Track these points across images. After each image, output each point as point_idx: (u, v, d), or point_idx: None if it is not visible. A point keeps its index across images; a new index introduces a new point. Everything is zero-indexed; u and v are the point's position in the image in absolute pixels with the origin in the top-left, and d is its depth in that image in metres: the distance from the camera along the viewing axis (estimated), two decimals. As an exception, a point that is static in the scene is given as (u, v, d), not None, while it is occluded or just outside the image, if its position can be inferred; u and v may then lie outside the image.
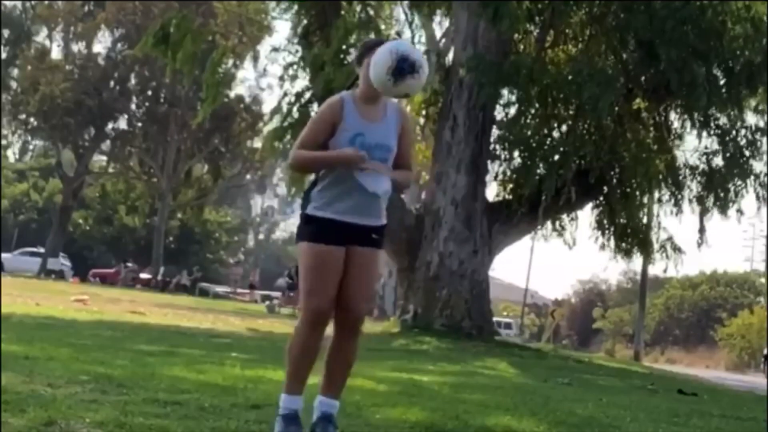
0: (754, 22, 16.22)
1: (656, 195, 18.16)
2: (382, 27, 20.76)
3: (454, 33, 18.71)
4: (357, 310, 3.97)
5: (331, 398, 4.04)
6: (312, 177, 4.05)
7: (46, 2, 46.21)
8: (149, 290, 36.88)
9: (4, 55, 45.21)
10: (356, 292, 3.95)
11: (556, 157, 16.27)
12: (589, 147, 16.43)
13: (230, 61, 25.30)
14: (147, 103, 46.80)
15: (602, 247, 18.14)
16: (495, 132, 17.48)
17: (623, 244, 18.13)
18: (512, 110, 17.34)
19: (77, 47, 46.81)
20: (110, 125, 47.01)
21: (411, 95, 4.03)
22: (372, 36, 19.66)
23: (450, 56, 18.83)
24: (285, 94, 19.28)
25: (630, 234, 18.02)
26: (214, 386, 5.35)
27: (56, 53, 46.92)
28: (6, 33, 45.34)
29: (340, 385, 4.08)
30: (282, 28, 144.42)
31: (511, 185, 17.48)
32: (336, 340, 4.05)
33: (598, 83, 14.89)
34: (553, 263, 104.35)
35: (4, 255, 40.23)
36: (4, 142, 51.50)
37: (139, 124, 47.09)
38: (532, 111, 16.84)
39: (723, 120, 17.08)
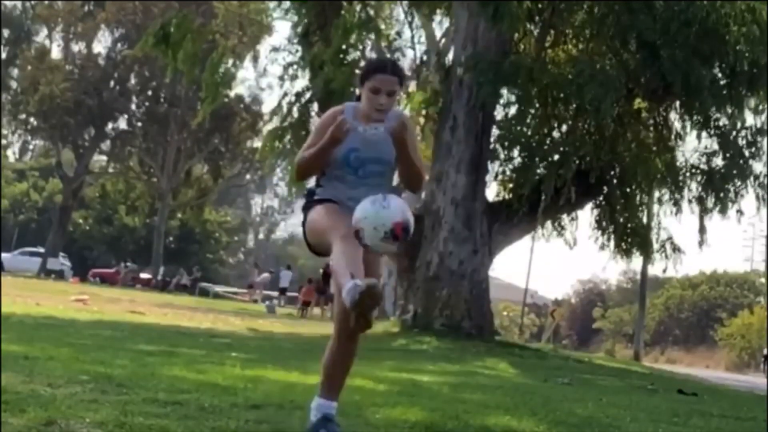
0: (757, 23, 16.21)
1: (656, 195, 18.16)
2: (382, 27, 20.78)
3: (454, 33, 18.70)
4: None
5: (330, 400, 4.02)
6: (314, 180, 4.07)
7: (46, 2, 46.23)
8: (149, 290, 36.88)
9: (4, 55, 45.24)
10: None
11: (556, 157, 16.27)
12: (589, 147, 16.43)
13: (230, 61, 25.24)
14: (147, 103, 46.82)
15: (602, 247, 18.14)
16: (495, 132, 17.48)
17: (623, 244, 18.12)
18: (512, 110, 17.34)
19: (77, 47, 46.85)
20: (110, 125, 47.04)
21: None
22: (372, 36, 19.70)
23: (450, 56, 18.83)
24: (285, 94, 19.31)
25: (630, 234, 18.01)
26: (214, 386, 5.35)
27: (56, 53, 46.97)
28: (6, 33, 45.37)
29: (340, 387, 4.06)
30: (282, 28, 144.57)
31: (511, 185, 17.48)
32: (336, 342, 4.01)
33: (600, 84, 14.89)
34: (553, 263, 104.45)
35: (4, 255, 40.24)
36: (4, 142, 51.56)
37: (139, 124, 47.11)
38: (532, 111, 16.83)
39: (723, 120, 17.08)
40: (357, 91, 4.12)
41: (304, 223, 4.03)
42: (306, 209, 4.04)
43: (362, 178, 3.96)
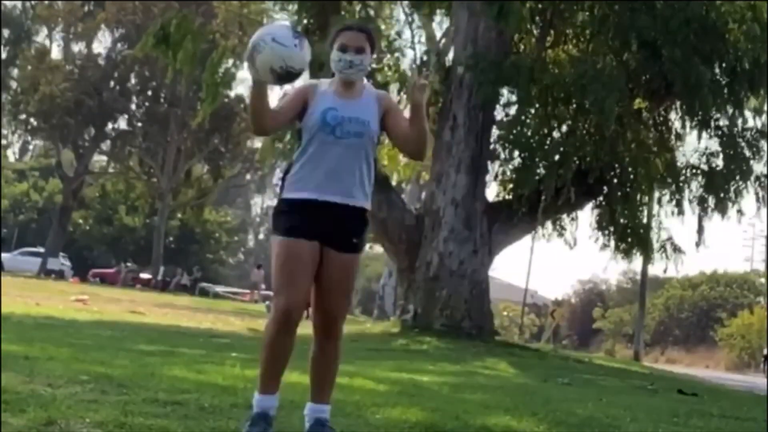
0: (758, 21, 16.21)
1: (656, 195, 18.16)
2: (382, 27, 20.76)
3: (454, 33, 18.69)
4: (335, 314, 3.93)
5: (321, 404, 3.98)
6: (282, 169, 3.98)
7: (46, 2, 46.21)
8: (149, 290, 36.87)
9: (4, 55, 45.24)
10: (335, 295, 3.89)
11: (556, 157, 16.26)
12: (589, 147, 16.42)
13: (230, 61, 25.24)
14: (147, 103, 46.81)
15: (603, 247, 18.14)
16: (495, 132, 17.48)
17: (623, 245, 18.12)
18: (512, 110, 17.33)
19: (77, 47, 46.86)
20: (110, 125, 47.03)
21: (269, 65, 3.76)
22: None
23: (450, 56, 18.83)
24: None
25: (630, 234, 18.00)
26: (214, 386, 5.35)
27: (56, 53, 46.98)
28: (6, 33, 45.36)
29: (329, 390, 4.02)
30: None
31: (511, 185, 17.47)
32: (316, 346, 4.00)
33: (602, 85, 14.88)
34: (553, 263, 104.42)
35: (4, 255, 40.23)
36: (4, 142, 51.58)
37: (139, 124, 47.10)
38: (532, 111, 16.83)
39: (723, 121, 17.08)
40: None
41: (272, 228, 3.95)
42: (273, 228, 3.89)
43: (340, 138, 3.84)
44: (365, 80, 4.13)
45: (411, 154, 4.09)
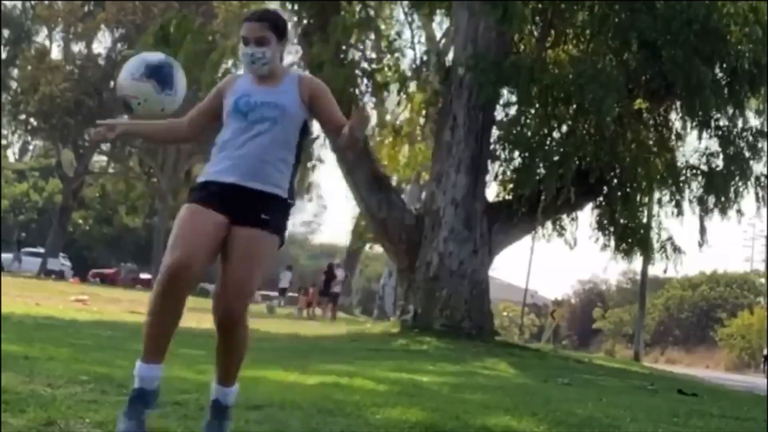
0: (759, 23, 16.21)
1: (657, 195, 18.15)
2: (382, 27, 20.76)
3: (454, 33, 18.69)
4: (231, 303, 3.64)
5: (223, 386, 3.81)
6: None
7: (46, 2, 46.22)
8: (149, 290, 36.85)
9: (4, 55, 45.24)
10: (233, 283, 3.62)
11: (556, 157, 16.26)
12: (589, 147, 16.42)
13: (230, 61, 25.25)
14: (147, 103, 46.76)
15: (603, 247, 18.13)
16: (495, 132, 17.48)
17: (623, 245, 18.11)
18: (512, 110, 17.34)
19: (77, 47, 46.86)
20: (110, 125, 46.95)
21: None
22: (372, 37, 19.69)
23: (450, 56, 18.83)
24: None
25: (630, 234, 18.00)
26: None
27: (56, 53, 46.98)
28: (6, 33, 45.36)
29: (233, 374, 3.81)
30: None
31: (511, 185, 17.46)
32: (217, 333, 3.78)
33: (601, 85, 14.88)
34: (553, 263, 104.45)
35: (4, 255, 40.23)
36: (4, 142, 51.57)
37: (139, 124, 47.03)
38: (532, 111, 16.83)
39: (724, 121, 17.08)
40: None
41: None
42: (187, 196, 3.77)
43: (252, 124, 3.69)
44: (294, 68, 4.06)
45: (340, 149, 4.15)
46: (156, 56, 3.93)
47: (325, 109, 3.84)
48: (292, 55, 19.61)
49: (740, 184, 17.12)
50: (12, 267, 38.67)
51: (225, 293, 3.64)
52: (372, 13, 19.62)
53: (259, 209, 3.66)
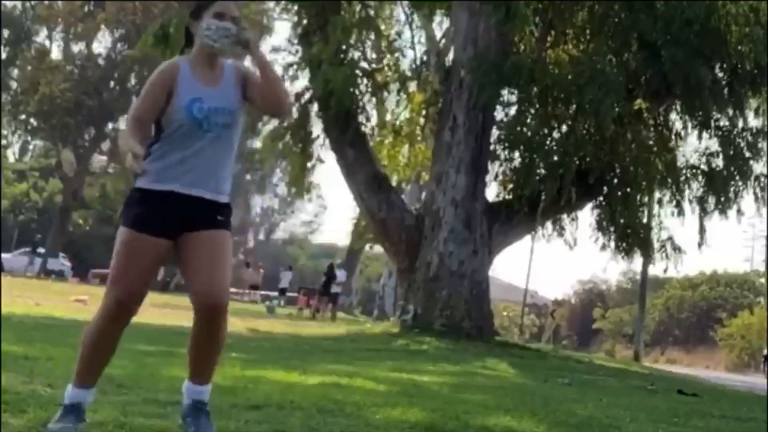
0: (759, 23, 16.21)
1: (657, 195, 18.16)
2: (382, 27, 20.76)
3: (454, 33, 18.69)
4: (217, 297, 3.61)
5: (199, 384, 3.79)
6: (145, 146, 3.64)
7: (46, 2, 46.22)
8: (149, 291, 36.80)
9: (4, 55, 45.23)
10: (213, 278, 3.61)
11: (556, 157, 16.26)
12: (589, 147, 16.43)
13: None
14: (147, 103, 46.77)
15: (603, 247, 18.14)
16: (495, 132, 17.48)
17: (623, 245, 18.12)
18: (512, 111, 17.35)
19: (77, 47, 46.86)
20: (110, 125, 47.02)
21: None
22: (372, 37, 19.68)
23: (450, 57, 18.83)
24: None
25: (630, 234, 18.01)
26: (214, 386, 5.31)
27: (56, 53, 46.98)
28: (6, 33, 45.35)
29: (209, 372, 3.81)
30: (282, 28, 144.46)
31: (511, 185, 17.48)
32: (198, 330, 3.70)
33: (601, 85, 14.88)
34: (553, 263, 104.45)
35: (4, 255, 40.24)
36: (4, 142, 51.55)
37: (139, 124, 47.04)
38: (532, 111, 16.84)
39: (724, 121, 17.08)
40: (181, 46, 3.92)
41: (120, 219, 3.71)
42: (121, 218, 3.68)
43: (207, 132, 3.63)
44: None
45: (274, 110, 3.92)
46: None
47: (255, 88, 3.80)
48: (292, 55, 19.61)
49: (740, 184, 17.13)
50: (28, 270, 39.07)
51: (209, 291, 3.63)
52: (372, 13, 19.63)
53: (213, 215, 3.70)
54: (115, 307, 3.61)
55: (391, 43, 20.30)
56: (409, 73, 20.02)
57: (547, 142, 16.71)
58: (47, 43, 47.22)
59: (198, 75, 3.70)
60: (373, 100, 19.19)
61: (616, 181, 17.60)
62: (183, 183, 3.62)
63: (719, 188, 17.20)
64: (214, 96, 3.67)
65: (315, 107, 18.57)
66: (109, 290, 3.62)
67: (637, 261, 20.77)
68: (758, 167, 17.26)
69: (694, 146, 18.44)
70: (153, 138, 3.67)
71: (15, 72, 46.03)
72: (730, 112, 16.69)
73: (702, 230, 17.62)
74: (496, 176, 17.85)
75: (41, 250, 44.83)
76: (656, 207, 18.46)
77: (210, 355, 3.76)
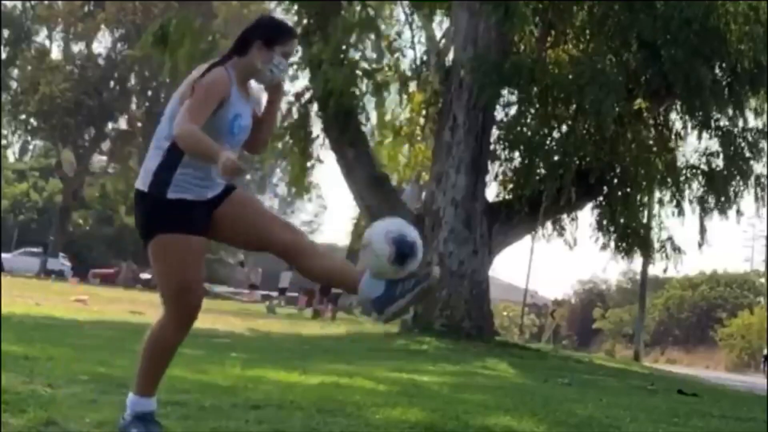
0: (759, 22, 16.20)
1: (657, 195, 18.16)
2: (382, 27, 20.75)
3: (454, 33, 18.68)
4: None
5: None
6: (160, 156, 3.57)
7: (46, 2, 46.25)
8: (149, 290, 36.86)
9: (4, 55, 45.26)
10: (274, 219, 3.69)
11: (557, 157, 16.26)
12: (589, 147, 16.43)
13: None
14: (147, 103, 46.83)
15: (603, 247, 18.14)
16: (495, 132, 17.48)
17: (623, 245, 18.12)
18: (512, 111, 17.35)
19: (77, 47, 46.89)
20: (110, 125, 47.05)
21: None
22: (372, 37, 19.68)
23: (450, 56, 18.83)
24: (284, 94, 19.27)
25: (630, 234, 18.01)
26: (214, 386, 5.35)
27: (56, 53, 47.02)
28: (6, 33, 45.38)
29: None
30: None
31: (511, 185, 17.48)
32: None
33: (601, 86, 14.88)
34: (553, 263, 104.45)
35: (4, 255, 40.25)
36: (4, 142, 51.57)
37: (139, 124, 47.11)
38: (533, 111, 16.84)
39: (724, 121, 17.08)
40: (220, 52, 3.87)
41: (152, 228, 3.57)
42: (157, 226, 3.55)
43: (233, 146, 3.65)
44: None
45: (256, 146, 3.89)
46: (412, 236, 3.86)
47: (256, 117, 3.85)
48: (292, 55, 19.62)
49: (740, 184, 17.12)
50: (41, 271, 39.25)
51: (286, 225, 3.69)
52: (372, 13, 19.61)
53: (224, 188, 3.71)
54: (189, 315, 3.61)
55: (391, 43, 20.28)
56: (409, 73, 20.01)
57: (547, 142, 16.71)
58: (47, 43, 47.32)
59: (240, 90, 3.70)
60: (373, 100, 19.19)
61: (616, 181, 17.61)
62: (203, 189, 3.62)
63: (719, 188, 17.20)
64: (245, 114, 3.72)
65: (315, 107, 18.58)
66: (177, 300, 3.58)
67: (637, 261, 20.79)
68: (758, 167, 17.27)
69: (694, 146, 18.46)
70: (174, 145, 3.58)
71: (15, 72, 46.06)
72: (730, 112, 16.69)
73: (702, 230, 17.63)
74: (496, 176, 17.86)
75: (41, 249, 44.87)
76: (656, 207, 18.47)
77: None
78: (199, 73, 3.60)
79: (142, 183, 3.61)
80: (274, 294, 36.30)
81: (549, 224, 18.45)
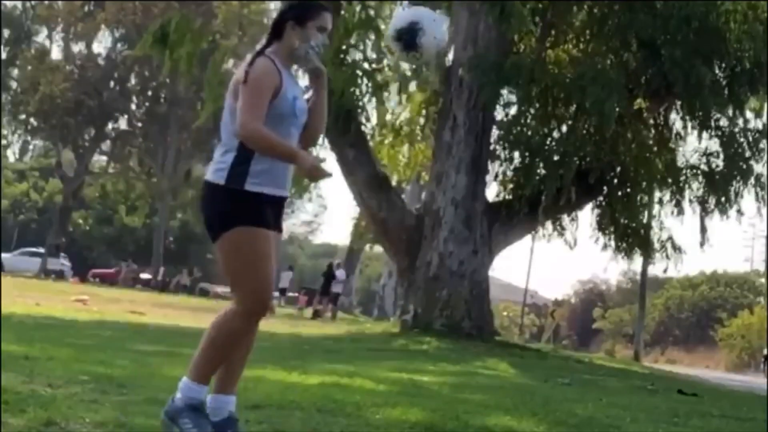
0: (759, 21, 16.20)
1: (657, 195, 18.15)
2: (382, 27, 20.75)
3: (454, 33, 18.66)
4: (270, 300, 3.75)
5: (232, 395, 3.77)
6: (234, 149, 3.58)
7: (46, 2, 46.23)
8: (149, 290, 36.88)
9: (4, 55, 45.25)
10: (272, 282, 3.74)
11: (557, 157, 16.25)
12: (589, 147, 16.42)
13: (231, 62, 25.25)
14: (147, 103, 46.83)
15: (603, 247, 18.14)
16: (495, 132, 17.47)
17: (624, 245, 18.12)
18: (512, 110, 17.34)
19: (77, 47, 46.87)
20: (110, 125, 47.04)
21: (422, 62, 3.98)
22: (372, 37, 19.69)
23: (450, 56, 18.82)
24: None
25: (630, 234, 18.01)
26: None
27: (56, 53, 47.00)
28: (6, 33, 45.37)
29: (238, 379, 3.84)
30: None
31: (511, 185, 17.47)
32: (247, 334, 3.73)
33: (603, 86, 14.87)
34: (553, 263, 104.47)
35: (4, 255, 40.25)
36: (4, 142, 51.52)
37: (139, 124, 47.11)
38: (533, 111, 16.83)
39: (724, 121, 17.08)
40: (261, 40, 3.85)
41: (228, 221, 3.55)
42: (236, 219, 3.53)
43: (298, 129, 3.71)
44: None
45: (307, 140, 3.90)
46: (401, 20, 3.91)
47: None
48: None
49: (740, 184, 17.11)
50: (41, 271, 39.33)
51: (270, 294, 3.73)
52: (372, 13, 19.61)
53: (281, 213, 3.78)
54: (263, 308, 3.62)
55: (391, 43, 20.26)
56: (409, 73, 19.99)
57: (547, 142, 16.71)
58: (47, 43, 47.28)
59: (287, 70, 3.72)
60: (373, 100, 19.18)
61: (616, 181, 17.60)
62: (277, 185, 3.65)
63: (719, 188, 17.19)
64: (300, 95, 3.75)
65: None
66: (254, 294, 3.56)
67: (637, 261, 20.78)
68: (758, 167, 17.25)
69: (694, 146, 18.44)
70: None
71: (15, 72, 46.04)
72: (730, 112, 16.68)
73: (703, 230, 17.63)
74: (496, 176, 17.84)
75: (41, 249, 44.87)
76: (656, 207, 18.46)
77: (245, 358, 3.80)
78: (244, 68, 3.61)
79: (217, 176, 3.60)
80: (275, 294, 36.29)
81: (549, 224, 18.44)
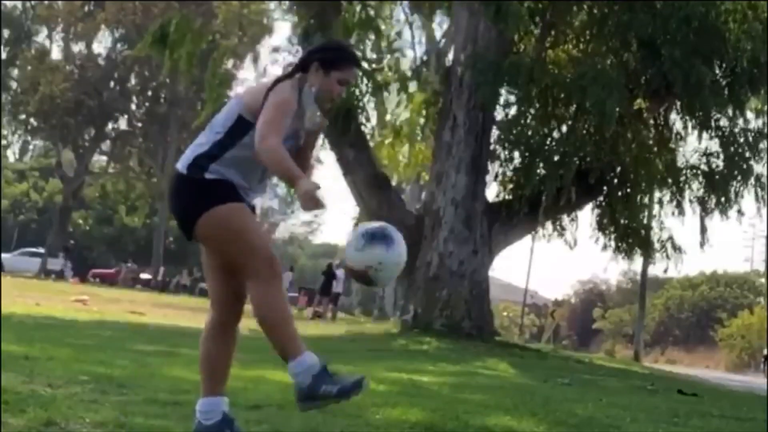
0: (759, 20, 16.19)
1: (657, 195, 18.16)
2: (382, 27, 20.77)
3: (454, 33, 18.69)
4: (273, 253, 3.66)
5: (222, 395, 3.76)
6: (205, 145, 3.61)
7: (46, 2, 46.24)
8: (149, 290, 36.88)
9: (4, 55, 45.26)
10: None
11: (557, 157, 16.26)
12: (589, 147, 16.42)
13: (230, 61, 25.28)
14: (147, 103, 46.84)
15: (603, 247, 18.14)
16: (495, 132, 17.48)
17: (624, 245, 18.12)
18: (512, 110, 17.34)
19: (77, 47, 46.86)
20: (110, 125, 47.05)
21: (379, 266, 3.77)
22: (372, 37, 19.71)
23: (450, 56, 18.83)
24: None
25: (631, 234, 18.01)
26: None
27: (56, 53, 47.00)
28: (6, 33, 45.38)
29: (226, 379, 3.81)
30: (282, 28, 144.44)
31: (511, 185, 17.47)
32: (224, 331, 3.81)
33: (602, 86, 14.87)
34: (553, 263, 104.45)
35: (4, 255, 40.25)
36: (4, 142, 51.57)
37: (139, 124, 47.12)
38: (532, 111, 16.83)
39: (724, 121, 17.07)
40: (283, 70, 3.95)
41: (200, 205, 3.54)
42: (208, 202, 3.52)
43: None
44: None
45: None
46: (372, 224, 3.91)
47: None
48: (291, 55, 19.62)
49: (740, 184, 17.11)
50: (41, 271, 39.31)
51: (240, 289, 3.73)
52: (372, 13, 19.62)
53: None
54: (274, 264, 3.54)
55: (391, 43, 20.29)
56: (409, 73, 20.01)
57: (547, 142, 16.71)
58: (47, 43, 47.28)
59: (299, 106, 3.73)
60: (373, 100, 19.21)
61: (616, 181, 17.60)
62: (253, 197, 3.72)
63: (719, 188, 17.19)
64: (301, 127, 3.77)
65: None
66: (256, 254, 3.51)
67: (638, 261, 20.78)
68: (758, 167, 17.25)
69: (694, 146, 18.44)
70: (224, 140, 3.60)
71: (15, 72, 46.05)
72: (730, 112, 16.68)
73: (703, 230, 17.63)
74: (496, 176, 17.84)
75: (41, 249, 44.87)
76: (656, 207, 18.46)
77: (232, 355, 3.90)
78: (265, 90, 3.59)
79: (181, 165, 3.63)
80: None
81: (549, 224, 18.45)
